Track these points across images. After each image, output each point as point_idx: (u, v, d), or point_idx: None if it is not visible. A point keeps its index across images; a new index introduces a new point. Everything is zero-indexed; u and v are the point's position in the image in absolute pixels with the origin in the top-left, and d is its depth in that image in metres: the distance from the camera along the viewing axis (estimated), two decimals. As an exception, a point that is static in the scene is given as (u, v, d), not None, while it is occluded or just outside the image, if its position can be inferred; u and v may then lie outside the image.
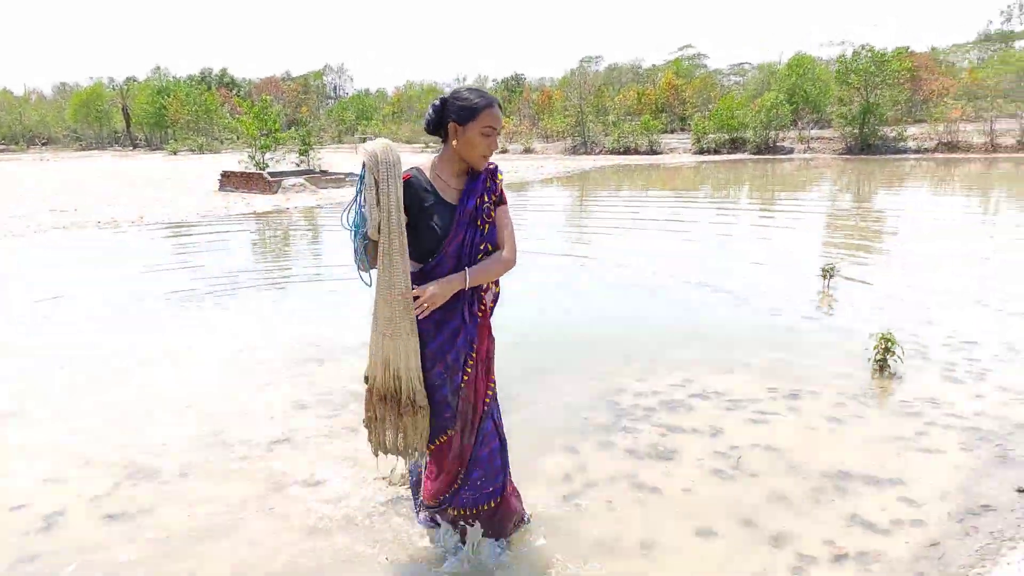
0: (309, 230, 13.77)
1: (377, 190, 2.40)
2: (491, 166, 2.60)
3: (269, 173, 20.73)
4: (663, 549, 2.97)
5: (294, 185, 19.97)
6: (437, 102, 2.51)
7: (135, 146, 67.87)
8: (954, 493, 3.34)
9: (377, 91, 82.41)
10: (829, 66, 45.07)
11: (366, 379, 2.60)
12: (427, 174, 2.55)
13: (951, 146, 29.73)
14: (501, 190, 2.62)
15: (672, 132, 45.46)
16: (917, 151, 30.80)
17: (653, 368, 5.09)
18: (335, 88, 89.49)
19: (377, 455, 2.68)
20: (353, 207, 2.48)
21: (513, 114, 54.05)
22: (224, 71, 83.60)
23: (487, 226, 2.57)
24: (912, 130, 32.22)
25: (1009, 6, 60.35)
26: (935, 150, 30.07)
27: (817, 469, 3.59)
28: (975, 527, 3.05)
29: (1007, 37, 56.44)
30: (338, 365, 5.25)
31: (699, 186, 22.26)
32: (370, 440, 2.64)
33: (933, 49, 52.77)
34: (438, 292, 2.47)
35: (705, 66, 65.58)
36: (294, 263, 9.98)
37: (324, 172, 22.67)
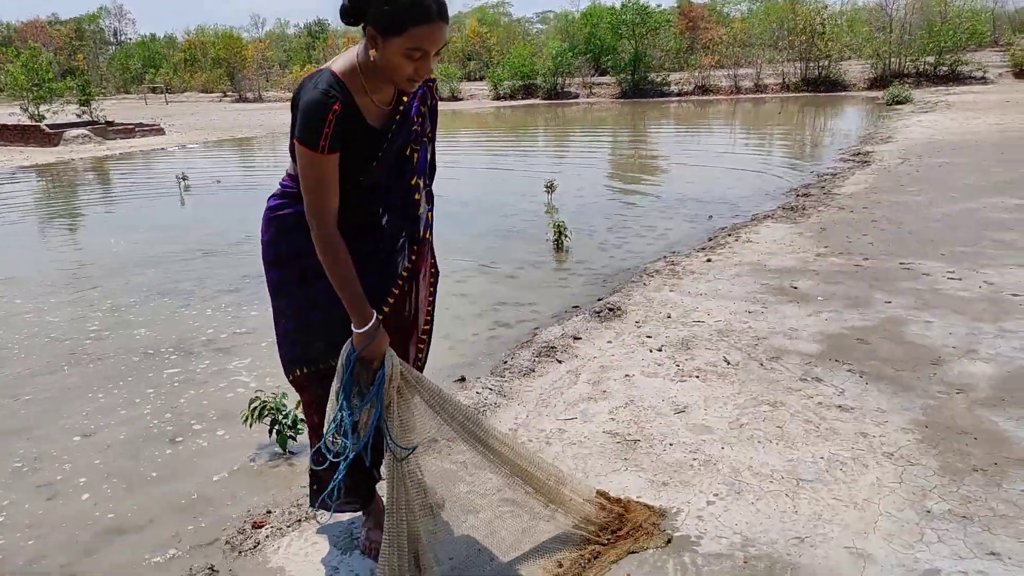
0: (100, 175, 13.95)
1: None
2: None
3: (47, 125, 19.80)
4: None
5: (77, 137, 19.33)
6: None
7: None
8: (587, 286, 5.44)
9: (165, 36, 76.08)
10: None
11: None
12: (349, 86, 1.84)
13: (705, 89, 34.47)
14: (434, 80, 2.09)
15: (480, 79, 47.33)
16: (679, 94, 35.41)
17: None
18: (116, 33, 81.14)
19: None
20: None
21: (316, 61, 52.94)
22: (-27, 12, 72.55)
23: (415, 155, 2.05)
24: (675, 76, 36.80)
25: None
26: (692, 93, 34.79)
27: (493, 301, 5.54)
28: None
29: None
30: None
31: (492, 128, 24.37)
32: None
33: (712, 0, 58.80)
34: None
35: (510, 14, 68.25)
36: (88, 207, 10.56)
37: (110, 123, 21.89)
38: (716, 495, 2.59)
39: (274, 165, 15.65)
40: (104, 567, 2.46)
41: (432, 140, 2.17)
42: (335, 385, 1.95)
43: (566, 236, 7.04)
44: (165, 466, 3.15)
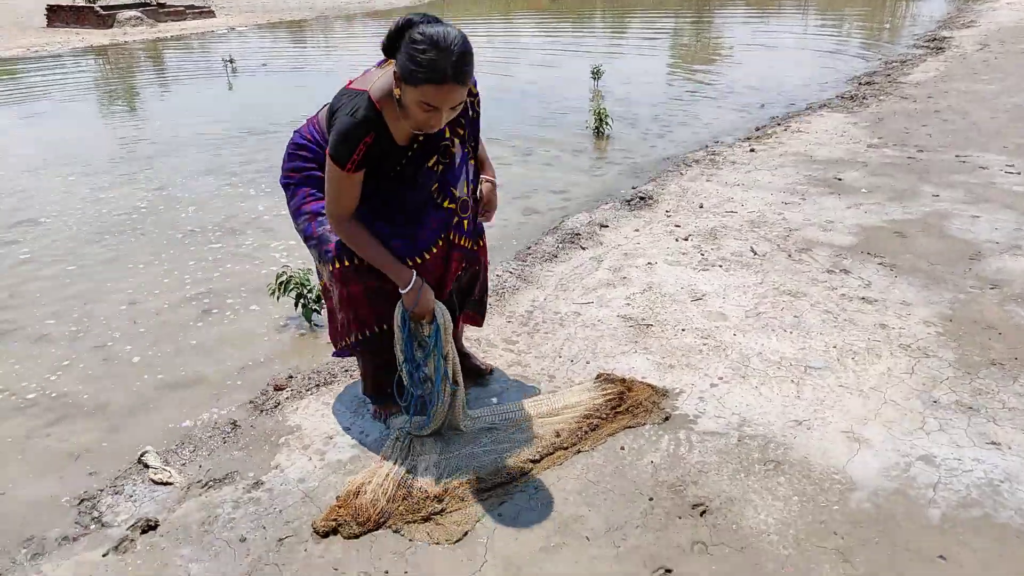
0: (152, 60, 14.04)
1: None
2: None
3: (101, 7, 19.78)
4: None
5: (129, 19, 19.30)
6: (401, 21, 1.88)
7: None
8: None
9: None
10: None
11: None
12: (385, 113, 1.97)
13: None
14: (478, 97, 2.19)
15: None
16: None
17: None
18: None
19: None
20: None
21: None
22: None
23: (440, 167, 2.13)
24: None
25: None
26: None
27: (526, 188, 5.50)
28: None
29: None
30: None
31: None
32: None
33: None
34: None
35: None
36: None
37: (162, 5, 21.71)
38: (721, 378, 2.62)
39: (324, 49, 15.42)
40: (155, 418, 2.68)
41: (473, 153, 2.24)
42: (397, 345, 2.22)
43: (607, 124, 6.83)
44: (202, 334, 3.34)
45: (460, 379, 2.33)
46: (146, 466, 2.27)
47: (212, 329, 3.38)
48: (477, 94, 2.18)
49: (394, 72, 1.89)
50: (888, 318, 2.98)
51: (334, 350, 2.46)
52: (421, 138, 2.07)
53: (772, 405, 2.45)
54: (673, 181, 5.06)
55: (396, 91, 1.90)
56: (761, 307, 3.13)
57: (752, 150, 5.73)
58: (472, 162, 2.23)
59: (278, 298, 3.24)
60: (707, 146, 6.14)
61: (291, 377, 2.79)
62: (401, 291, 2.12)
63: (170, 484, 2.20)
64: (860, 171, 4.96)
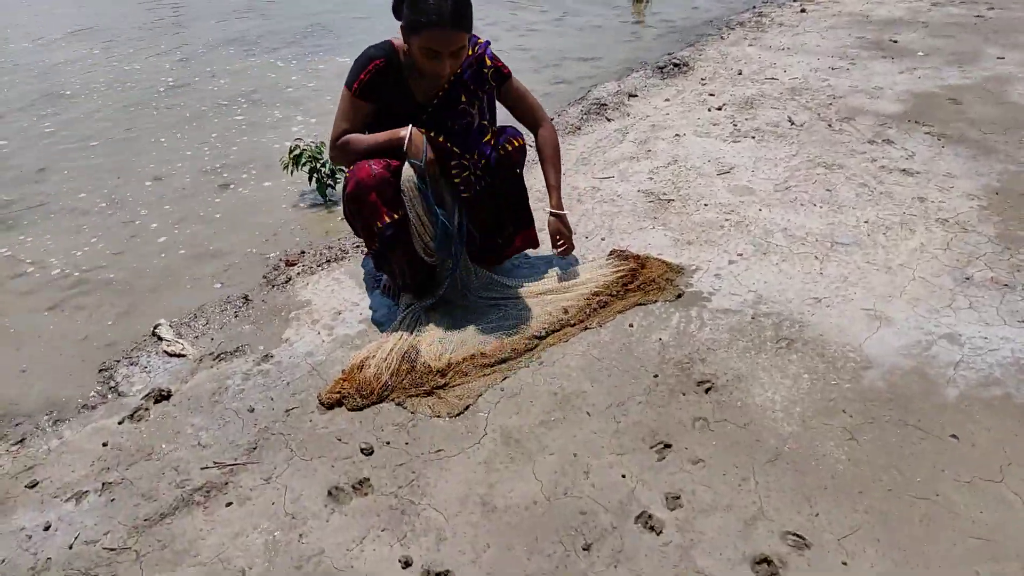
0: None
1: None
2: (478, 51, 2.21)
3: None
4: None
5: None
6: None
7: None
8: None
9: None
10: None
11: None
12: (402, 59, 2.12)
13: None
14: (496, 69, 2.26)
15: None
16: None
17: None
18: None
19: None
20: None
21: None
22: None
23: (454, 124, 2.21)
24: None
25: None
26: None
27: (556, 56, 5.20)
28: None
29: None
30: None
31: None
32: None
33: None
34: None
35: None
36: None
37: None
38: (740, 255, 2.51)
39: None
40: (171, 293, 2.71)
41: (491, 123, 2.31)
42: (417, 207, 2.16)
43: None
44: (220, 209, 3.32)
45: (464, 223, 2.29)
46: (160, 339, 2.32)
47: (230, 204, 3.36)
48: (493, 66, 2.23)
49: (401, 27, 2.02)
50: (928, 191, 2.78)
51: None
52: (440, 94, 2.17)
53: (792, 282, 2.34)
54: (712, 46, 4.71)
55: (404, 45, 2.06)
56: (792, 181, 2.95)
57: (803, 10, 5.27)
58: (489, 138, 2.26)
59: (291, 172, 3.18)
60: (755, 6, 5.66)
61: (303, 253, 2.78)
62: (404, 147, 2.10)
63: (183, 356, 2.25)
64: (919, 32, 4.53)
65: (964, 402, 1.84)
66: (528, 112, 2.40)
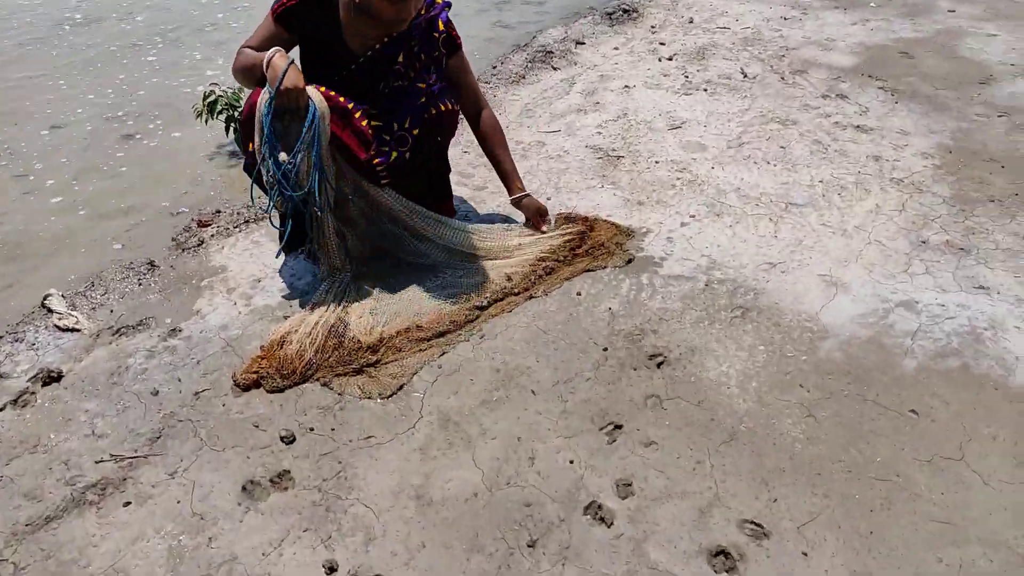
0: None
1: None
2: (433, 11, 2.02)
3: None
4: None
5: None
6: None
7: None
8: None
9: None
10: None
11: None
12: (339, 3, 1.92)
13: None
14: (449, 36, 2.08)
15: None
16: None
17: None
18: None
19: None
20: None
21: None
22: None
23: (388, 91, 2.03)
24: None
25: None
26: None
27: (489, -2, 4.91)
28: None
29: None
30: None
31: None
32: None
33: None
34: None
35: None
36: None
37: None
38: (692, 216, 2.37)
39: None
40: (67, 259, 2.41)
41: (429, 100, 2.08)
42: (256, 141, 1.86)
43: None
44: (125, 161, 2.99)
45: (349, 191, 2.04)
46: (50, 311, 2.05)
47: (136, 156, 3.02)
48: (447, 32, 2.06)
49: None
50: (883, 149, 2.70)
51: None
52: (376, 47, 1.96)
53: (746, 246, 2.22)
54: (662, -9, 4.51)
55: None
56: (745, 136, 2.82)
57: (752, -44, 5.08)
58: (423, 100, 2.06)
59: (206, 121, 2.86)
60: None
61: (218, 212, 2.51)
62: (264, 71, 1.83)
63: (77, 331, 1.99)
64: (871, -19, 4.42)
65: (922, 374, 1.77)
66: (471, 92, 2.21)
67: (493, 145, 2.23)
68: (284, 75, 1.78)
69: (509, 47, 3.92)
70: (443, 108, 2.12)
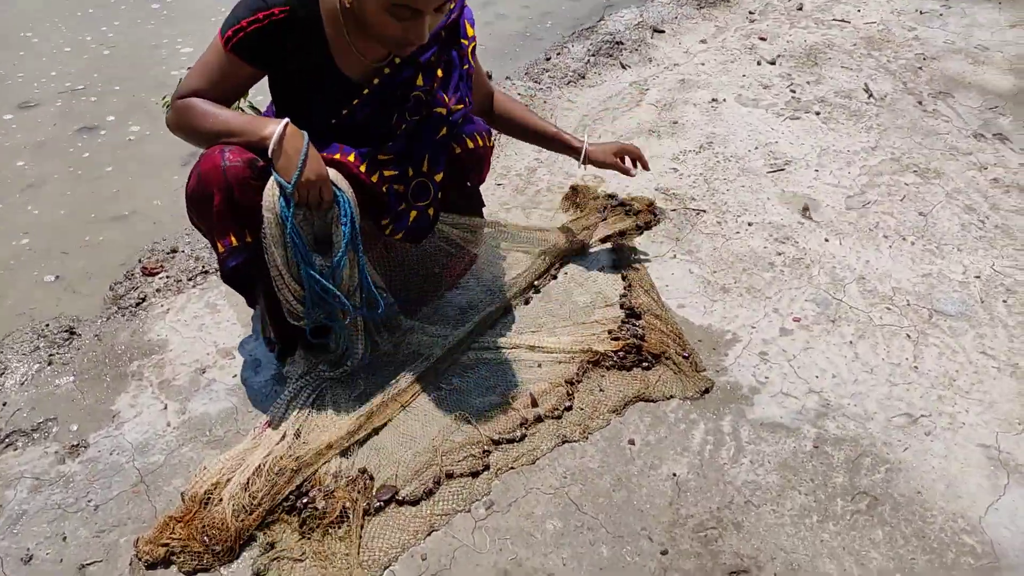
0: None
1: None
2: (451, 18, 1.47)
3: None
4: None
5: None
6: None
7: None
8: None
9: None
10: None
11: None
12: (324, 17, 1.35)
13: None
14: (473, 42, 1.58)
15: None
16: None
17: None
18: None
19: None
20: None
21: None
22: None
23: (403, 125, 1.48)
24: None
25: None
26: None
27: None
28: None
29: None
30: None
31: None
32: None
33: None
34: None
35: None
36: None
37: None
38: (797, 320, 1.72)
39: None
40: (12, 300, 1.91)
41: (455, 120, 1.52)
42: (276, 252, 1.35)
43: None
44: (69, 169, 2.46)
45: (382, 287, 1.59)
46: (-78, 402, 1.55)
47: (85, 161, 2.47)
48: (474, 37, 1.55)
49: None
50: (1064, 229, 1.98)
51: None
52: (386, 71, 1.43)
53: (874, 380, 1.58)
54: (763, -36, 3.70)
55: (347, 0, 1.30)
56: (871, 192, 2.13)
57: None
58: (443, 139, 1.52)
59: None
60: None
61: (173, 253, 1.96)
62: (270, 155, 1.30)
63: (-46, 434, 1.49)
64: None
65: None
66: (481, 87, 1.70)
67: (522, 116, 1.79)
68: (304, 161, 1.30)
69: (569, 28, 3.21)
70: (470, 145, 1.57)
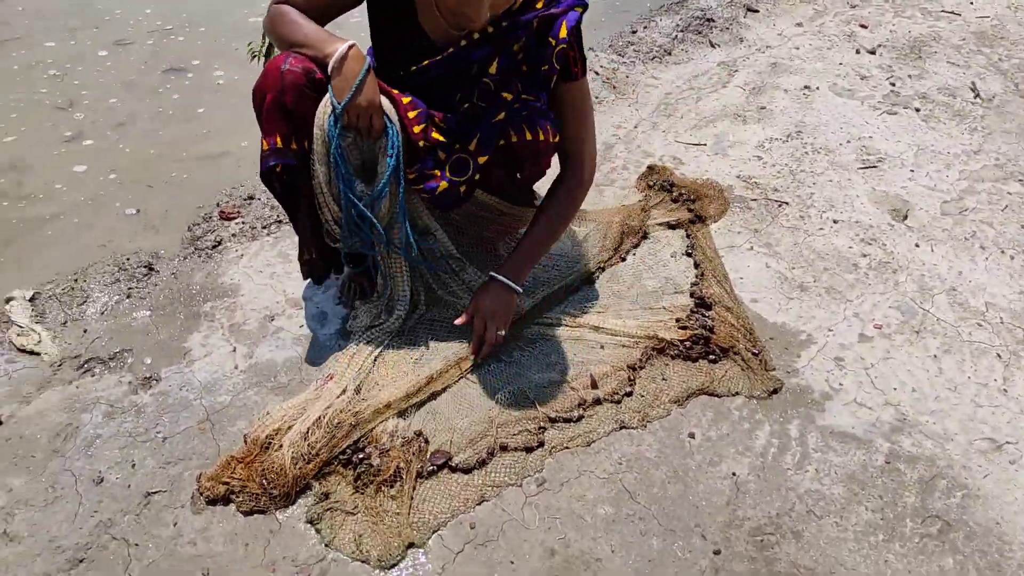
0: None
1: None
2: (555, 8, 1.43)
3: None
4: None
5: None
6: None
7: None
8: None
9: None
10: None
11: None
12: None
13: None
14: (568, 56, 1.46)
15: None
16: None
17: None
18: None
19: None
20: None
21: None
22: None
23: (465, 104, 1.47)
24: None
25: None
26: None
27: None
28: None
29: None
30: None
31: None
32: None
33: None
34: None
35: None
36: None
37: None
38: (879, 327, 1.65)
39: None
40: (66, 243, 1.98)
41: (518, 110, 1.46)
42: (320, 169, 1.39)
43: None
44: (171, 104, 2.51)
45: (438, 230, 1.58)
46: (9, 321, 1.62)
47: (175, 101, 2.51)
48: (569, 43, 1.44)
49: None
50: None
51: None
52: (463, 44, 1.43)
53: (958, 399, 1.50)
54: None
55: None
56: (970, 199, 2.00)
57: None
58: (500, 123, 1.46)
59: (259, 62, 2.31)
60: None
61: (250, 199, 1.99)
62: (329, 73, 1.35)
63: (36, 355, 1.55)
64: None
65: None
66: (574, 137, 1.55)
67: (540, 213, 1.58)
68: (359, 85, 1.33)
69: (658, 1, 3.10)
70: (528, 136, 1.47)
